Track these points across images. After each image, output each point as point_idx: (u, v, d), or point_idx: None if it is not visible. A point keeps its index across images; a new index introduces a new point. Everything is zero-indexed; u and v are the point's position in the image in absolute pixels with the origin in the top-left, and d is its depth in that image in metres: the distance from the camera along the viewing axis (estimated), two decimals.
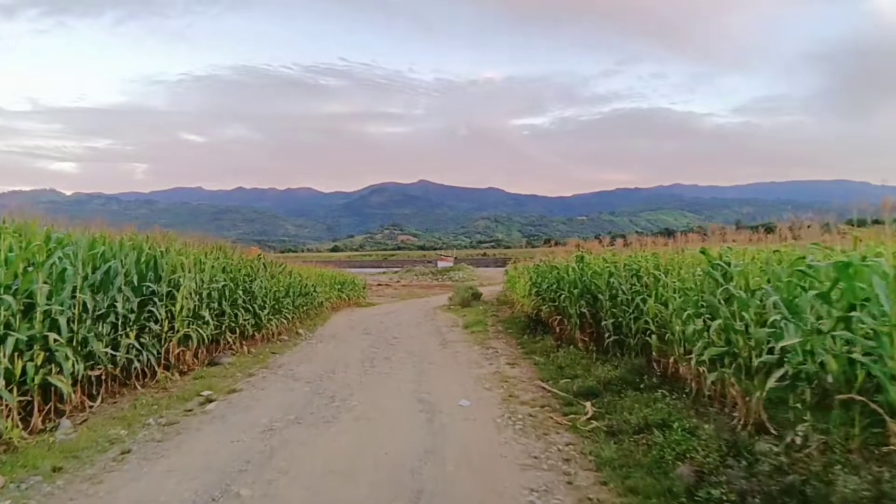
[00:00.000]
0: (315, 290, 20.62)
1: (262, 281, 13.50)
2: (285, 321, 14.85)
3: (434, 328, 16.41)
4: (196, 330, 9.52)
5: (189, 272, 9.69)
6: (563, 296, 11.71)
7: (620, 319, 9.01)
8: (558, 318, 12.04)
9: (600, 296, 9.94)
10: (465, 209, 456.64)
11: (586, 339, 10.49)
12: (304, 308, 18.25)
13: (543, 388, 7.87)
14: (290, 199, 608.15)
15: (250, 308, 12.52)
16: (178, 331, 9.15)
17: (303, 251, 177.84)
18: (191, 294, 9.70)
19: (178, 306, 9.19)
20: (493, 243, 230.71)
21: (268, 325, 13.36)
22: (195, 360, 9.79)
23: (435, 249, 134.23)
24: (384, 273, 69.31)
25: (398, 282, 56.39)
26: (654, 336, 7.78)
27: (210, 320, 10.01)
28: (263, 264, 14.59)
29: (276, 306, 14.48)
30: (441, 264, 73.78)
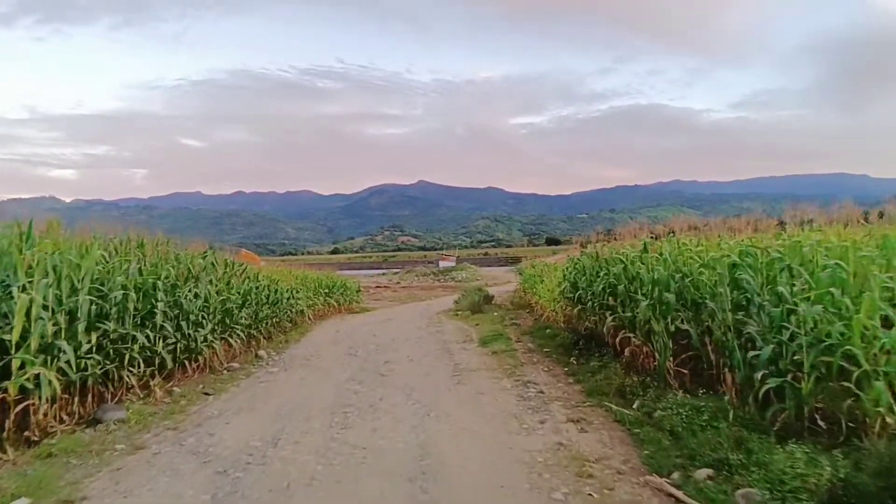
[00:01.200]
0: (293, 298, 16.83)
1: (203, 288, 9.72)
2: (239, 341, 10.97)
3: (440, 345, 12.59)
4: (51, 370, 5.72)
5: (46, 276, 5.94)
6: (630, 302, 7.91)
7: (774, 345, 5.10)
8: (623, 333, 8.14)
9: (709, 303, 6.16)
10: (466, 209, 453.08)
11: (684, 371, 6.64)
12: (274, 320, 14.41)
13: (675, 498, 4.02)
14: (290, 203, 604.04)
15: (180, 327, 8.70)
16: (16, 373, 5.40)
17: (303, 254, 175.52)
18: (50, 310, 5.95)
19: (14, 333, 5.44)
20: (493, 243, 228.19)
21: (207, 349, 9.48)
22: (62, 417, 6.03)
23: (436, 250, 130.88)
24: (384, 274, 65.68)
25: (398, 283, 52.61)
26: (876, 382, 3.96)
27: (72, 353, 6.10)
28: (212, 264, 10.82)
29: (227, 322, 10.67)
30: (443, 264, 69.98)
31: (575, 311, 11.93)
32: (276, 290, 14.78)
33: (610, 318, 8.47)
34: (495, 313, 18.54)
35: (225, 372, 9.75)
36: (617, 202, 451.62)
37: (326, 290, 22.16)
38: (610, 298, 8.91)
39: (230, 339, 10.60)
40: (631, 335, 7.76)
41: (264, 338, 12.99)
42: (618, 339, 8.14)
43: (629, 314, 7.93)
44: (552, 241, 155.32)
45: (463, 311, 20.59)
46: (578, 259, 11.90)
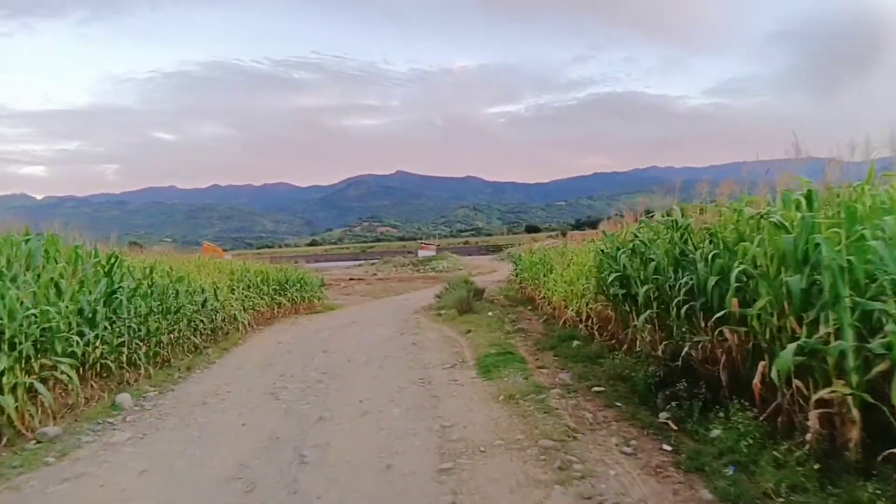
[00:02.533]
0: (216, 300, 12.43)
1: None
2: (62, 382, 6.48)
3: (417, 374, 8.11)
4: None
5: None
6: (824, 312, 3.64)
7: None
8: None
9: None
10: (444, 199, 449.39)
11: None
12: (173, 336, 9.95)
13: None
14: (267, 195, 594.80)
15: None
16: None
17: (280, 247, 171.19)
18: None
19: None
20: (473, 231, 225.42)
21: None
22: None
23: (415, 240, 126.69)
24: (360, 265, 61.26)
25: (374, 275, 48.19)
26: None
27: None
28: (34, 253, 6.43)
29: (38, 351, 6.23)
30: (422, 253, 65.73)
31: (615, 314, 7.78)
32: (179, 292, 10.32)
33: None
34: (489, 312, 14.21)
35: (15, 452, 5.31)
36: (595, 189, 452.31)
37: (277, 287, 17.71)
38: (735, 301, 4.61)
39: (51, 381, 6.14)
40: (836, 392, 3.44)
41: (146, 366, 8.53)
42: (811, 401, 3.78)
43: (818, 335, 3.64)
44: (532, 229, 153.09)
45: (447, 309, 16.29)
46: (636, 236, 7.64)
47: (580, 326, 10.01)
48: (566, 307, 11.32)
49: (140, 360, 8.41)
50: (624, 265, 7.55)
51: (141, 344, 8.62)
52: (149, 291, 9.17)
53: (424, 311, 17.71)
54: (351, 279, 41.83)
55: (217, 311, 12.42)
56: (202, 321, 11.37)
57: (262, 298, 15.99)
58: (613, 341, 8.65)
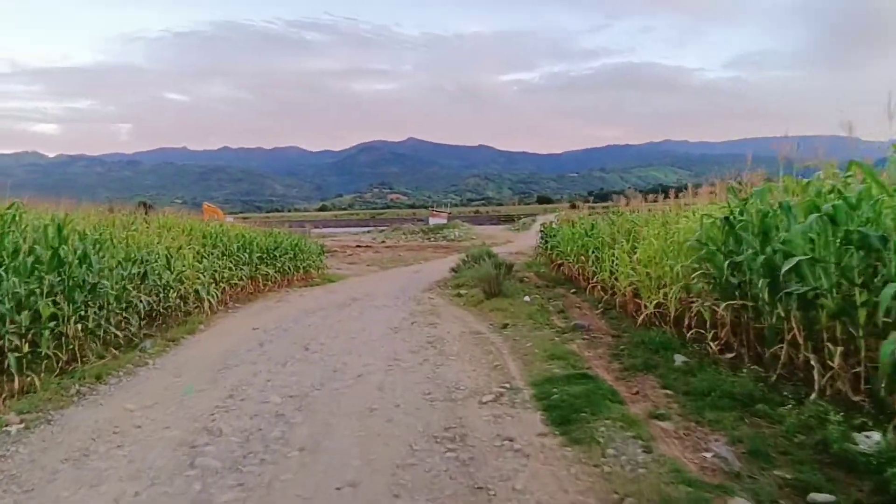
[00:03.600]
0: (168, 272, 9.44)
1: None
2: None
3: (442, 404, 5.07)
4: None
5: None
6: None
7: None
8: None
9: None
10: (456, 167, 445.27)
11: None
12: (77, 324, 6.86)
13: None
14: (278, 159, 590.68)
15: None
16: None
17: (290, 211, 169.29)
18: None
19: None
20: (483, 201, 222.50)
21: None
22: None
23: (425, 208, 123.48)
24: (368, 232, 58.30)
25: (382, 242, 45.21)
26: None
27: None
28: None
29: None
30: (433, 221, 62.70)
31: (746, 319, 4.76)
32: (93, 262, 7.24)
33: None
34: (526, 297, 11.02)
35: None
36: (608, 161, 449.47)
37: (262, 255, 14.66)
38: None
39: None
40: None
41: (34, 373, 5.54)
42: None
43: None
44: (543, 200, 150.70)
45: (469, 287, 13.24)
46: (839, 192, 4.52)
47: (664, 327, 6.98)
48: (636, 296, 8.26)
49: (11, 366, 5.43)
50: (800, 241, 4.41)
51: (14, 339, 5.61)
52: (28, 261, 6.08)
53: (439, 288, 14.69)
54: (358, 246, 38.93)
55: (169, 287, 9.38)
56: (142, 301, 8.33)
57: (240, 269, 12.93)
58: (734, 356, 5.61)
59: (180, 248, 10.58)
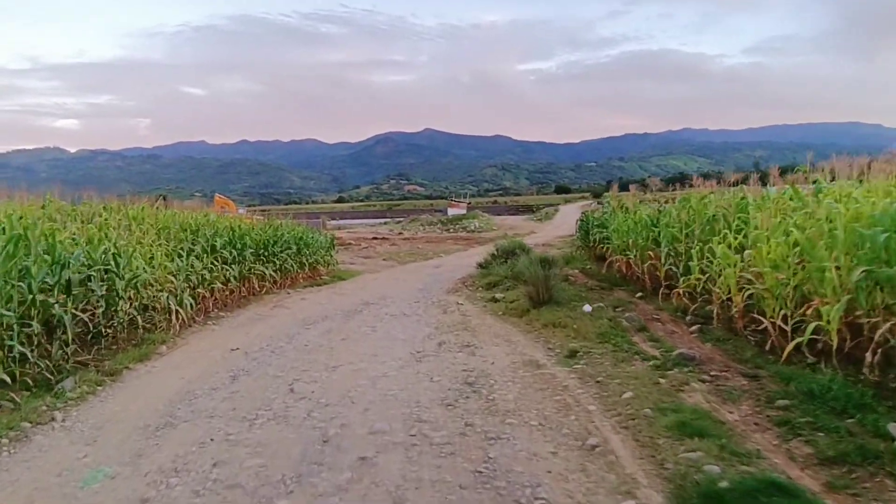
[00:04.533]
0: (116, 276, 7.11)
1: None
2: None
3: None
4: None
5: None
6: None
7: None
8: None
9: None
10: (472, 158, 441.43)
11: None
12: None
13: None
14: (295, 152, 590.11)
15: None
16: None
17: (308, 203, 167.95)
18: None
19: None
20: (501, 191, 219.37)
21: None
22: None
23: (442, 199, 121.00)
24: (385, 223, 56.07)
25: (399, 234, 42.86)
26: None
27: None
28: None
29: None
30: (452, 211, 60.24)
31: None
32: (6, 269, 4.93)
33: None
34: (586, 306, 8.47)
35: None
36: (626, 150, 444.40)
37: (258, 252, 12.35)
38: None
39: None
40: None
41: None
42: None
43: None
44: (562, 190, 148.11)
45: (503, 288, 10.88)
46: None
47: (815, 357, 4.56)
48: (749, 308, 5.83)
49: None
50: None
51: None
52: None
53: (467, 289, 12.34)
54: (374, 238, 36.60)
55: (117, 298, 7.06)
56: (67, 318, 6.00)
57: (225, 269, 10.57)
58: None
59: (136, 246, 8.25)
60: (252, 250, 12.06)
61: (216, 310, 10.14)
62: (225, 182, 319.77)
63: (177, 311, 8.21)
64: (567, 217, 56.16)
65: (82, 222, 8.72)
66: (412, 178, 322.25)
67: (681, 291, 7.99)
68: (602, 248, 13.71)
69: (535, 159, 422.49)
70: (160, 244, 9.17)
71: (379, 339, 7.65)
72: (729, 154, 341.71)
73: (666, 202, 11.15)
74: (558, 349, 6.33)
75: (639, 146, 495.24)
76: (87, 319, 6.52)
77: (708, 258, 7.18)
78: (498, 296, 10.44)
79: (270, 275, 12.69)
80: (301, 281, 14.89)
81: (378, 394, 5.13)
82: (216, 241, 10.44)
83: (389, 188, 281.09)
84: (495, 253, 15.20)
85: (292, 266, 14.22)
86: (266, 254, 12.82)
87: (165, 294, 8.18)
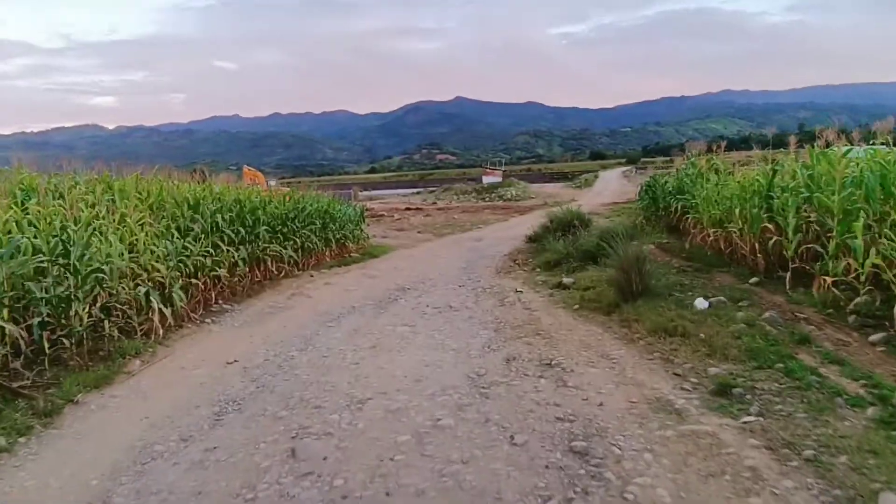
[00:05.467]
0: (82, 276, 5.26)
1: None
2: None
3: None
4: None
5: None
6: None
7: None
8: None
9: None
10: (504, 125, 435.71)
11: None
12: None
13: None
14: (327, 123, 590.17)
15: None
16: None
17: (340, 174, 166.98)
18: None
19: None
20: (534, 159, 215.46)
21: None
22: None
23: (474, 167, 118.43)
24: (418, 193, 54.06)
25: (433, 204, 40.86)
26: None
27: None
28: None
29: None
30: (487, 179, 57.92)
31: None
32: None
33: None
34: (701, 300, 6.28)
35: None
36: (662, 115, 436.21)
37: (273, 229, 10.46)
38: None
39: None
40: None
41: None
42: None
43: None
44: (597, 156, 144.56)
45: (567, 271, 8.90)
46: None
47: None
48: None
49: None
50: None
51: None
52: None
53: (522, 269, 10.38)
54: (407, 209, 34.66)
55: (70, 300, 5.20)
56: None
57: (232, 252, 8.69)
58: None
59: (112, 227, 6.40)
60: (267, 227, 10.17)
61: (220, 301, 8.28)
62: (259, 155, 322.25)
63: (160, 310, 6.33)
64: (608, 183, 53.37)
65: (55, 199, 6.92)
66: (444, 148, 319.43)
67: (828, 279, 5.84)
68: (680, 218, 11.50)
69: (568, 126, 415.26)
70: (149, 223, 7.32)
71: (420, 347, 5.68)
72: (770, 116, 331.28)
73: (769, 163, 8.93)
74: (693, 377, 4.25)
75: (676, 110, 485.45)
76: (18, 334, 4.68)
77: (889, 237, 5.03)
78: (566, 280, 8.36)
79: (290, 255, 10.79)
80: (327, 260, 12.99)
81: (430, 472, 3.14)
82: (218, 218, 8.53)
83: (421, 158, 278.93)
84: (549, 225, 13.09)
85: (316, 244, 12.31)
86: (285, 231, 10.92)
87: (145, 288, 6.30)
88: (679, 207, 11.41)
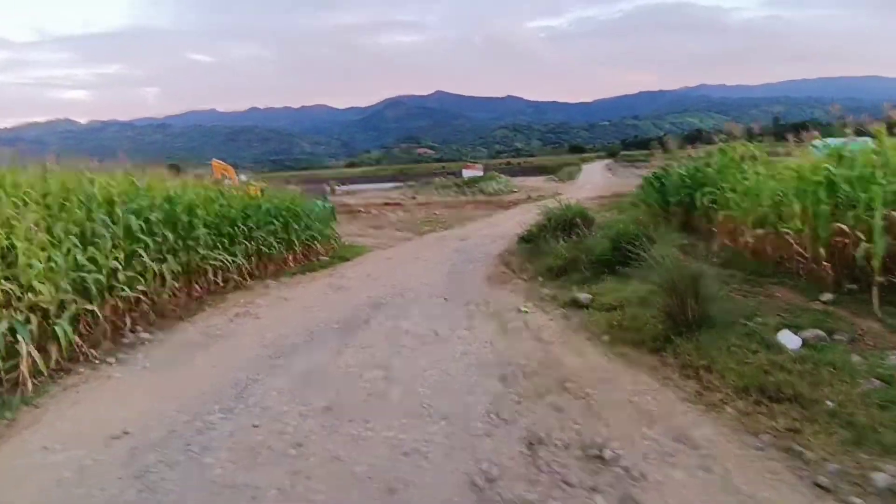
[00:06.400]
0: None
1: None
2: None
3: None
4: None
5: None
6: None
7: None
8: None
9: None
10: (484, 119, 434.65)
11: None
12: None
13: None
14: (305, 118, 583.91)
15: None
16: None
17: (319, 169, 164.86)
18: None
19: None
20: (512, 153, 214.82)
21: None
22: None
23: (454, 161, 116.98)
24: (398, 188, 52.21)
25: (412, 198, 38.98)
26: None
27: None
28: None
29: None
30: (467, 173, 56.63)
31: None
32: None
33: None
34: (785, 332, 4.59)
35: None
36: (641, 108, 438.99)
37: (219, 233, 8.60)
38: None
39: None
40: None
41: None
42: None
43: None
44: (576, 149, 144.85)
45: (579, 281, 7.21)
46: None
47: None
48: None
49: None
50: None
51: None
52: None
53: (521, 278, 8.77)
54: (386, 204, 32.90)
55: None
56: None
57: (152, 263, 6.81)
58: None
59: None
60: (210, 230, 8.30)
61: (139, 328, 6.41)
62: (236, 150, 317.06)
63: (29, 354, 4.47)
64: (591, 176, 52.00)
65: None
66: (423, 142, 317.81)
67: None
68: (699, 216, 9.84)
69: (547, 119, 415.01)
70: (34, 229, 5.45)
71: (396, 412, 3.90)
72: (746, 110, 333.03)
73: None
74: (847, 488, 2.52)
75: (654, 104, 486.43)
76: None
77: None
78: (580, 296, 6.59)
79: (240, 263, 8.93)
80: (290, 266, 11.14)
81: None
82: (130, 221, 6.61)
83: (400, 152, 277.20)
84: (546, 224, 11.34)
85: (275, 247, 10.46)
86: (232, 233, 9.05)
87: (6, 323, 4.45)
88: (703, 203, 9.65)
